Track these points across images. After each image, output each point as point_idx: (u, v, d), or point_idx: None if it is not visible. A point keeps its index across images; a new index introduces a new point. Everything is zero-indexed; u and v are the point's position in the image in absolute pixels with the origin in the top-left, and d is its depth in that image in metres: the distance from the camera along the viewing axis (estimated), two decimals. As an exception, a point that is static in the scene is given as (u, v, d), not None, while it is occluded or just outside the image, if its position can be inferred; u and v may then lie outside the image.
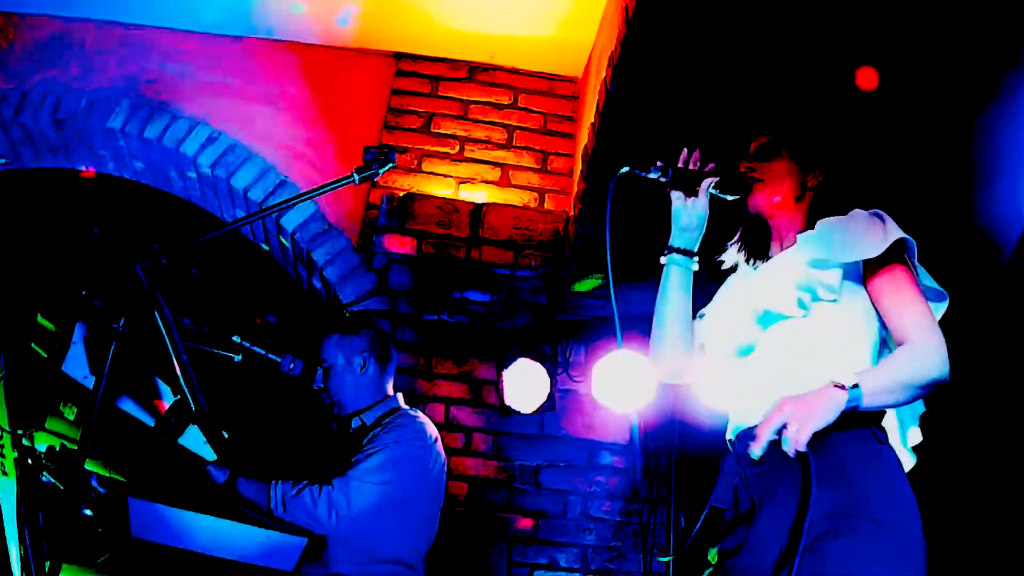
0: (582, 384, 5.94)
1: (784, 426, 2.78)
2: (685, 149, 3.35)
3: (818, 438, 2.78)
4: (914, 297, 3.10)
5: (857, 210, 3.24)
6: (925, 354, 2.98)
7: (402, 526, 4.27)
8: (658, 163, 3.30)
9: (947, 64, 4.40)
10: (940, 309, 3.21)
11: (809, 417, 2.77)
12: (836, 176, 3.40)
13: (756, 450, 2.80)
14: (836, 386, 2.83)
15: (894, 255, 3.11)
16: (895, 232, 3.10)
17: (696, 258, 3.37)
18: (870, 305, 3.14)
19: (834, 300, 3.09)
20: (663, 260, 3.39)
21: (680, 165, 3.32)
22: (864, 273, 3.16)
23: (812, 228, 3.27)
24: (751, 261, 3.50)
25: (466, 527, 5.65)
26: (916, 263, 3.16)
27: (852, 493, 2.85)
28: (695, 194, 3.31)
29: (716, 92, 4.71)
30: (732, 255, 3.58)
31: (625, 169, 3.27)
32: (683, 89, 4.74)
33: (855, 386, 2.83)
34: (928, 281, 3.19)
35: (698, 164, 3.32)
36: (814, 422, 2.77)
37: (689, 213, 3.32)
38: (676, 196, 3.34)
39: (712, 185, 3.31)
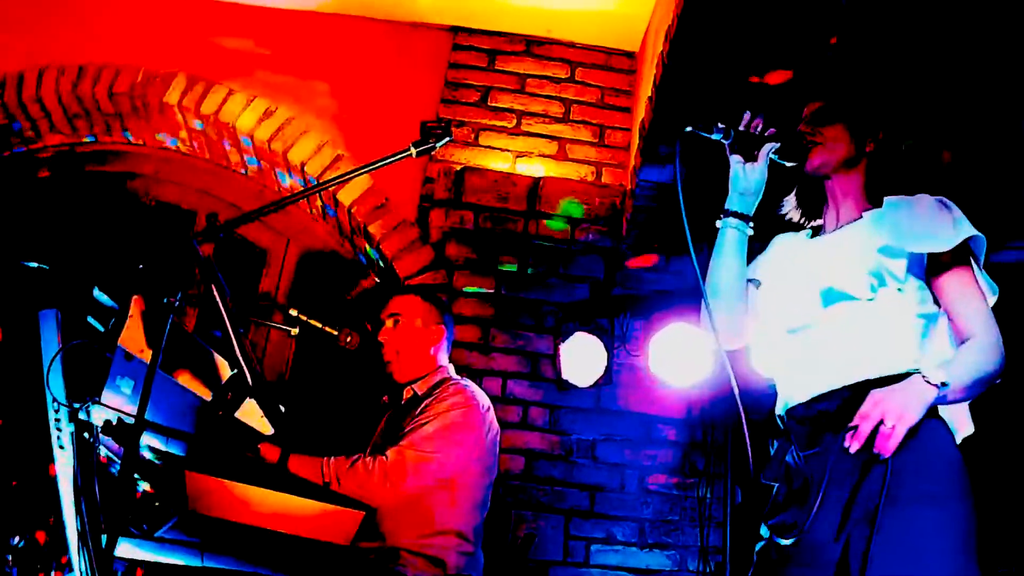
0: (639, 358, 5.88)
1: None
2: (747, 113, 3.30)
3: None
4: (977, 293, 3.11)
5: (924, 195, 3.22)
6: (993, 349, 3.00)
7: (457, 497, 4.22)
8: (720, 125, 3.24)
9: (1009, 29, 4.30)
10: (991, 301, 3.17)
11: (906, 415, 2.79)
12: (892, 141, 3.37)
13: (855, 446, 2.81)
14: (927, 382, 2.83)
15: (961, 249, 3.09)
16: (965, 227, 3.09)
17: (751, 223, 3.32)
18: (927, 294, 3.12)
19: (899, 289, 3.07)
20: (719, 224, 3.34)
21: (742, 128, 3.27)
22: (929, 263, 3.13)
23: (869, 193, 3.29)
24: (806, 224, 3.49)
25: (523, 500, 5.62)
26: (980, 258, 3.14)
27: (913, 469, 2.82)
28: (755, 158, 3.26)
29: (772, 64, 4.65)
30: (790, 208, 3.57)
31: (688, 129, 3.22)
32: (740, 62, 4.69)
33: (944, 383, 2.84)
34: (982, 275, 3.17)
35: (759, 129, 3.27)
36: (910, 420, 2.79)
37: (748, 177, 3.28)
38: (735, 160, 3.29)
39: (772, 150, 3.26)
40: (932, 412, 2.89)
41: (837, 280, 3.12)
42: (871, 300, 3.06)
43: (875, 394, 2.83)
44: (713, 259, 3.36)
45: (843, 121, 3.33)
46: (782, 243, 3.51)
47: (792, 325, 3.24)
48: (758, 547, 3.12)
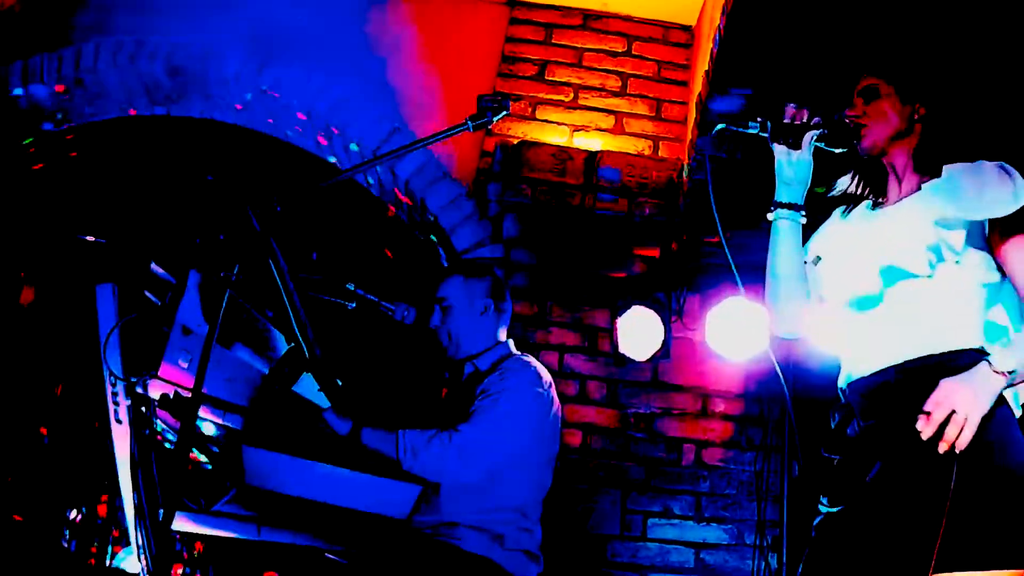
0: (696, 332, 5.84)
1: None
2: (790, 105, 3.20)
3: None
4: None
5: (983, 162, 3.12)
6: None
7: (518, 473, 4.15)
8: (757, 118, 3.17)
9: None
10: None
11: (976, 407, 2.75)
12: (943, 106, 3.28)
13: (928, 432, 2.76)
14: (996, 372, 2.79)
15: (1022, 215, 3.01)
16: None
17: (803, 211, 3.22)
18: (988, 262, 3.05)
19: (956, 261, 3.00)
20: (770, 216, 3.24)
21: (787, 120, 3.17)
22: (991, 230, 3.05)
23: (925, 162, 3.21)
24: (869, 200, 3.38)
25: (580, 474, 5.58)
26: None
27: (980, 451, 2.77)
28: (798, 147, 3.16)
29: (828, 39, 4.60)
30: (846, 185, 3.46)
31: (721, 126, 3.16)
32: (795, 36, 4.66)
33: (1012, 371, 2.79)
34: None
35: (803, 119, 3.17)
36: (980, 410, 2.76)
37: (793, 166, 3.17)
38: (779, 150, 3.18)
39: (815, 137, 3.17)
40: (999, 399, 2.84)
41: (896, 257, 3.06)
42: (930, 276, 3.00)
43: (946, 384, 2.78)
44: (770, 251, 3.29)
45: (891, 94, 3.25)
46: (841, 217, 3.44)
47: (854, 302, 3.19)
48: (816, 521, 3.08)
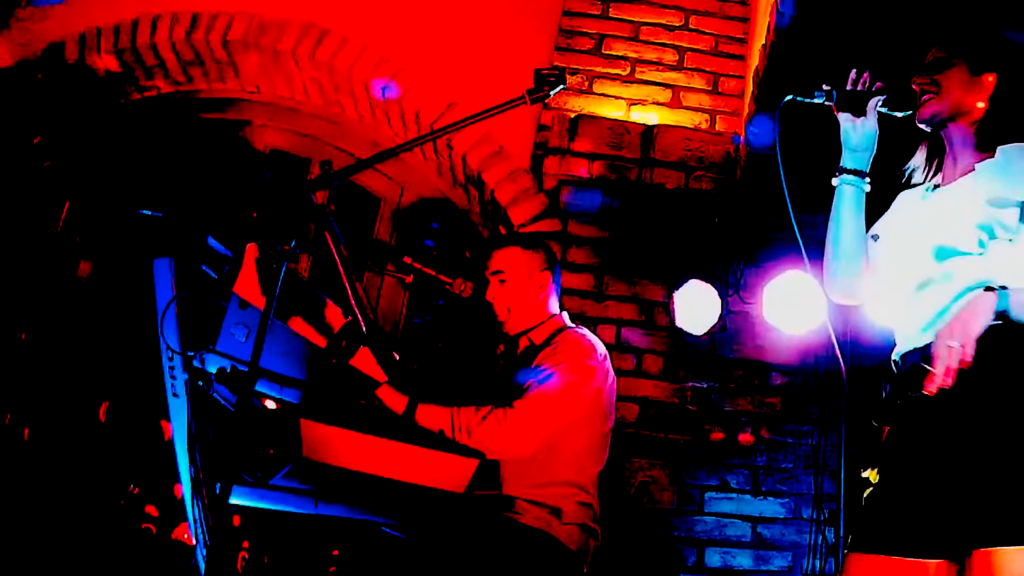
0: (753, 305, 5.77)
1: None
2: (854, 71, 3.25)
3: (987, 353, 2.72)
4: None
5: None
6: None
7: (575, 447, 4.13)
8: (823, 87, 3.21)
9: None
10: None
11: (969, 326, 2.72)
12: (1007, 86, 3.19)
13: (933, 388, 2.71)
14: (985, 289, 2.78)
15: None
16: None
17: (868, 179, 3.26)
18: None
19: (1009, 240, 2.95)
20: (835, 182, 3.28)
21: (849, 87, 3.22)
22: None
23: (985, 141, 3.15)
24: (927, 178, 3.35)
25: (637, 448, 5.54)
26: None
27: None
28: (863, 114, 3.21)
29: (890, 8, 4.50)
30: (917, 164, 3.41)
31: (789, 97, 3.21)
32: (855, 8, 4.55)
33: (1003, 288, 2.77)
34: None
35: (866, 84, 3.22)
36: (975, 328, 2.71)
37: (858, 134, 3.23)
38: (844, 117, 3.25)
39: (880, 103, 3.20)
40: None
41: (947, 236, 3.03)
42: (981, 254, 2.95)
43: (938, 334, 2.76)
44: (832, 218, 3.31)
45: (960, 69, 3.19)
46: (904, 197, 3.41)
47: (908, 279, 3.15)
48: (867, 493, 3.04)
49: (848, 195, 3.25)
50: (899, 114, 3.22)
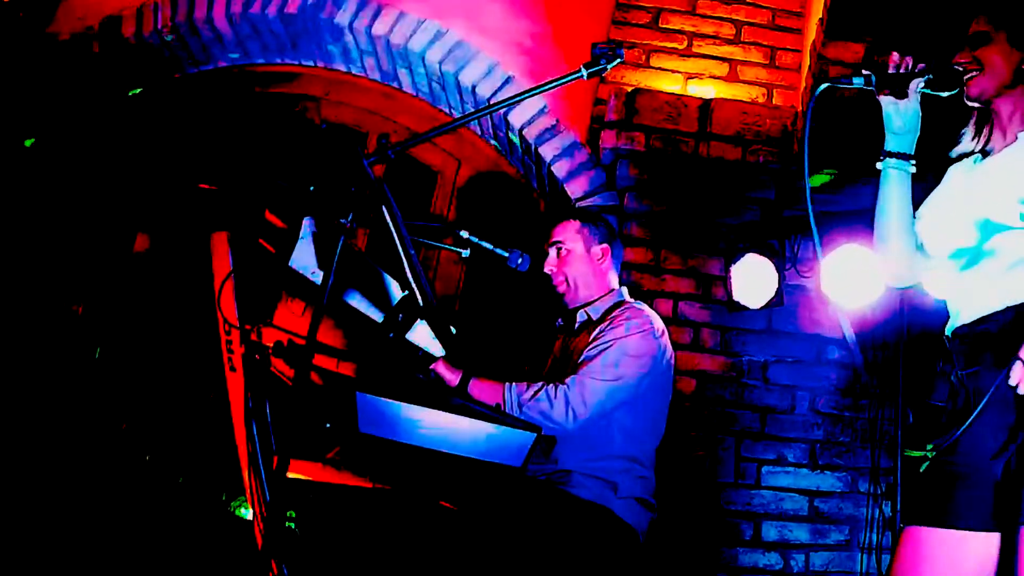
0: (810, 279, 5.75)
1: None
2: (895, 53, 3.16)
3: None
4: None
5: None
6: None
7: (632, 421, 4.11)
8: (862, 72, 3.13)
9: None
10: None
11: None
12: None
13: (1015, 380, 2.69)
14: None
15: None
16: None
17: (912, 160, 3.20)
18: None
19: None
20: (878, 165, 3.22)
21: (891, 69, 3.13)
22: None
23: None
24: (977, 148, 3.31)
25: (694, 422, 5.51)
26: None
27: None
28: (905, 95, 3.12)
29: None
30: (966, 144, 3.35)
31: (825, 85, 3.11)
32: None
33: None
34: None
35: (908, 66, 3.12)
36: None
37: (901, 115, 3.15)
38: (886, 100, 3.16)
39: (922, 84, 3.12)
40: None
41: (991, 210, 3.00)
42: None
43: None
44: (879, 201, 3.26)
45: (1002, 40, 3.15)
46: (954, 171, 3.37)
47: (955, 254, 3.14)
48: (923, 467, 3.03)
49: (893, 178, 3.19)
50: (944, 94, 3.15)
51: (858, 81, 3.11)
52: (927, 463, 3.02)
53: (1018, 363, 2.68)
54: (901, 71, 3.12)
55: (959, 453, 2.88)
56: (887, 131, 3.19)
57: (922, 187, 3.30)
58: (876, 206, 3.25)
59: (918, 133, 3.19)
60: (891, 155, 3.18)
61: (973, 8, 3.25)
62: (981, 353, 2.92)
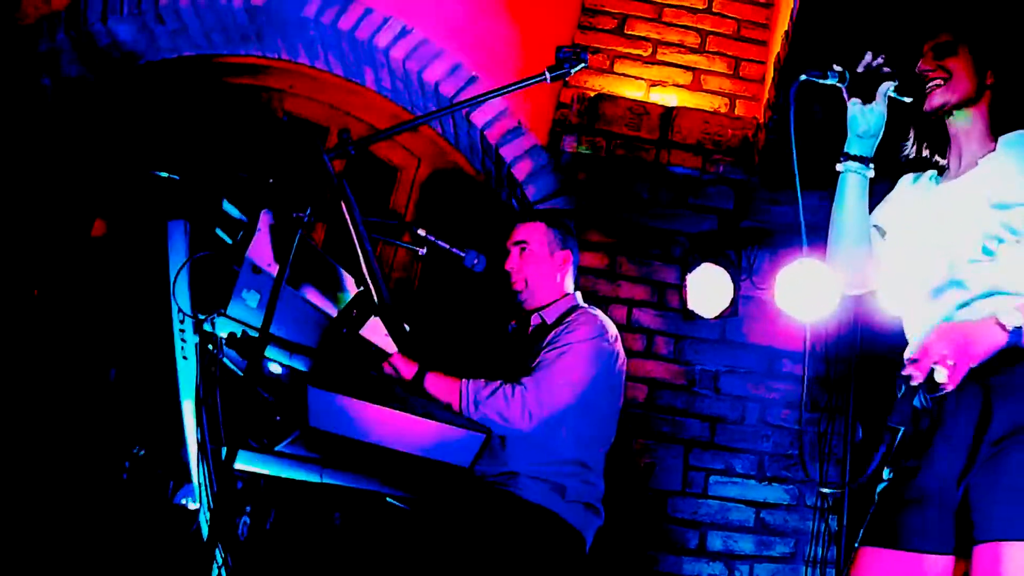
0: (765, 291, 5.73)
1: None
2: (868, 53, 3.20)
3: (1001, 359, 2.74)
4: None
5: None
6: None
7: (583, 425, 4.11)
8: (835, 68, 3.16)
9: None
10: None
11: (968, 356, 2.72)
12: (1013, 77, 3.20)
13: (917, 379, 2.74)
14: (998, 324, 2.74)
15: None
16: None
17: (872, 165, 3.23)
18: None
19: (1018, 241, 2.92)
20: (839, 168, 3.25)
21: (860, 69, 3.17)
22: None
23: (992, 133, 3.15)
24: (933, 159, 3.34)
25: (644, 429, 5.52)
26: None
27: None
28: (872, 98, 3.15)
29: (908, 4, 4.44)
30: (911, 151, 3.41)
31: (803, 76, 3.14)
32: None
33: (1018, 327, 2.73)
34: None
35: (878, 65, 3.16)
36: (971, 361, 2.72)
37: (866, 119, 3.18)
38: (853, 102, 3.20)
39: (891, 88, 3.14)
40: None
41: (956, 240, 3.01)
42: (992, 258, 2.94)
43: (941, 327, 2.79)
44: (835, 204, 3.29)
45: (966, 53, 3.18)
46: (908, 186, 3.39)
47: (919, 282, 3.14)
48: (879, 488, 3.03)
49: (851, 182, 3.22)
50: (907, 100, 3.17)
51: (832, 76, 3.14)
52: (884, 484, 3.02)
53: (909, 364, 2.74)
54: (871, 71, 3.14)
55: (918, 476, 2.88)
56: (850, 133, 3.21)
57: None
58: (832, 208, 3.27)
59: (880, 138, 3.21)
60: (851, 158, 3.21)
61: (940, 26, 3.27)
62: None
